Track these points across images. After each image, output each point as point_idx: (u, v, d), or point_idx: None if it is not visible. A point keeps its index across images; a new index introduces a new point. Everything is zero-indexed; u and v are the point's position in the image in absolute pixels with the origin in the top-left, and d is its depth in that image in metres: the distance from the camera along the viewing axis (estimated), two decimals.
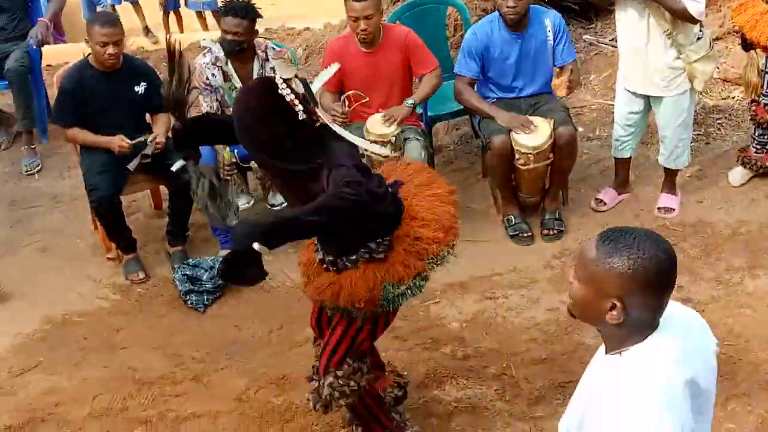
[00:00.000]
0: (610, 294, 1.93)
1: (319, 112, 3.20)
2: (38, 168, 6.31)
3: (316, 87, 3.53)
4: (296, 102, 3.08)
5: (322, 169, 3.11)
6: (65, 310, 4.94)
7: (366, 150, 4.04)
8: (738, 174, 5.47)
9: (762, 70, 5.13)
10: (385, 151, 4.59)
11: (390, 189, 3.33)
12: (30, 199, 6.05)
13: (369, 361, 3.48)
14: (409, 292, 3.24)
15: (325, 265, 3.34)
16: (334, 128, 3.26)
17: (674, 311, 2.05)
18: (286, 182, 3.32)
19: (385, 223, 3.24)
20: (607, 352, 2.04)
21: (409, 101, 5.08)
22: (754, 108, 5.26)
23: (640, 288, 1.92)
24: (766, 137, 5.31)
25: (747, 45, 5.11)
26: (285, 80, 3.10)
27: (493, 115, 5.07)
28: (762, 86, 5.15)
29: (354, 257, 3.24)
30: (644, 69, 5.03)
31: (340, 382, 3.37)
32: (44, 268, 5.29)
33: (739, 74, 5.70)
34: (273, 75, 3.16)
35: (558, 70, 5.38)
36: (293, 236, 3.27)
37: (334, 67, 3.73)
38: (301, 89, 3.12)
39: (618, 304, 1.92)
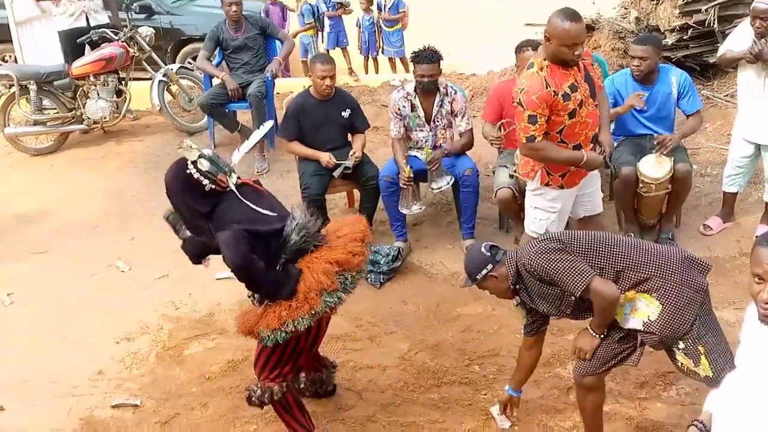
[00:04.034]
0: None
1: (230, 180, 3.24)
2: (266, 170, 6.53)
3: (249, 145, 3.59)
4: (201, 178, 3.18)
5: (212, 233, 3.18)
6: None
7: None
8: None
9: None
10: None
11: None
12: None
13: (291, 376, 3.39)
14: (280, 335, 3.09)
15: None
16: (235, 192, 3.24)
17: None
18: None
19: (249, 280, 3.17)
20: None
21: None
22: None
23: None
24: None
25: None
26: (192, 162, 3.18)
27: (617, 111, 4.89)
28: None
29: (257, 298, 3.26)
30: (758, 121, 4.76)
31: (262, 388, 3.35)
32: None
33: None
34: (187, 155, 3.20)
35: (687, 118, 5.09)
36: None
37: (267, 126, 3.78)
38: (206, 167, 3.17)
39: None
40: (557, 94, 3.76)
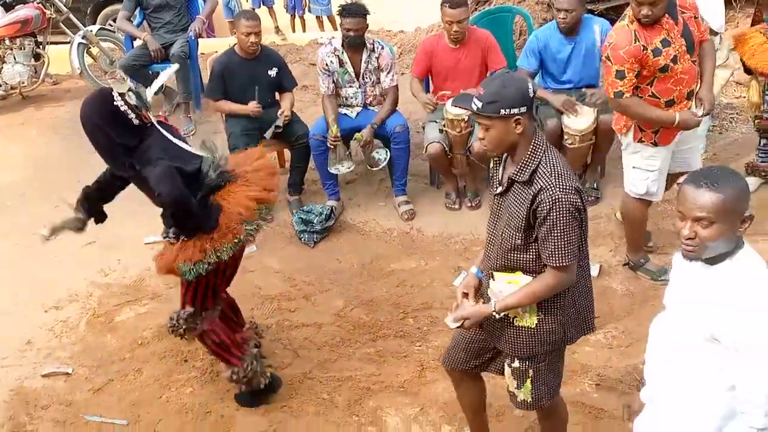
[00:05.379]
0: (743, 212, 2.00)
1: (151, 116, 3.20)
2: (193, 132, 6.35)
3: (159, 83, 3.52)
4: (128, 111, 3.11)
5: (137, 167, 3.13)
6: None
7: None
8: (750, 183, 4.89)
9: (762, 92, 4.71)
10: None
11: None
12: None
13: (211, 310, 3.46)
14: (201, 266, 3.16)
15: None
16: (160, 129, 3.22)
17: None
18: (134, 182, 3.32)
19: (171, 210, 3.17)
20: (713, 264, 2.04)
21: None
22: (758, 120, 4.83)
23: (749, 196, 2.03)
24: None
25: (748, 70, 4.81)
26: (120, 94, 3.11)
27: (548, 99, 4.93)
28: (762, 105, 4.74)
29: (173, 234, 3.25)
30: None
31: (182, 320, 3.38)
32: None
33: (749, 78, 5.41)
34: (111, 88, 3.14)
35: None
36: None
37: (173, 69, 3.79)
38: (134, 100, 3.13)
39: (751, 215, 2.01)
40: (647, 49, 3.64)
